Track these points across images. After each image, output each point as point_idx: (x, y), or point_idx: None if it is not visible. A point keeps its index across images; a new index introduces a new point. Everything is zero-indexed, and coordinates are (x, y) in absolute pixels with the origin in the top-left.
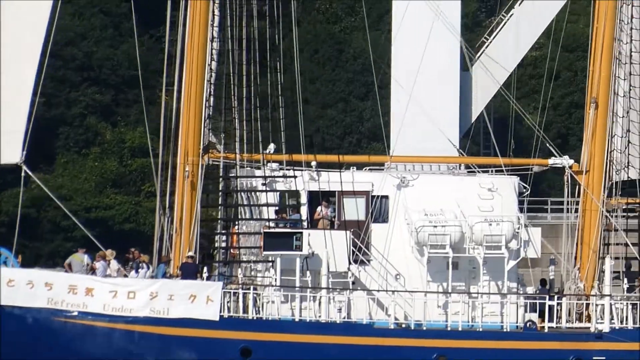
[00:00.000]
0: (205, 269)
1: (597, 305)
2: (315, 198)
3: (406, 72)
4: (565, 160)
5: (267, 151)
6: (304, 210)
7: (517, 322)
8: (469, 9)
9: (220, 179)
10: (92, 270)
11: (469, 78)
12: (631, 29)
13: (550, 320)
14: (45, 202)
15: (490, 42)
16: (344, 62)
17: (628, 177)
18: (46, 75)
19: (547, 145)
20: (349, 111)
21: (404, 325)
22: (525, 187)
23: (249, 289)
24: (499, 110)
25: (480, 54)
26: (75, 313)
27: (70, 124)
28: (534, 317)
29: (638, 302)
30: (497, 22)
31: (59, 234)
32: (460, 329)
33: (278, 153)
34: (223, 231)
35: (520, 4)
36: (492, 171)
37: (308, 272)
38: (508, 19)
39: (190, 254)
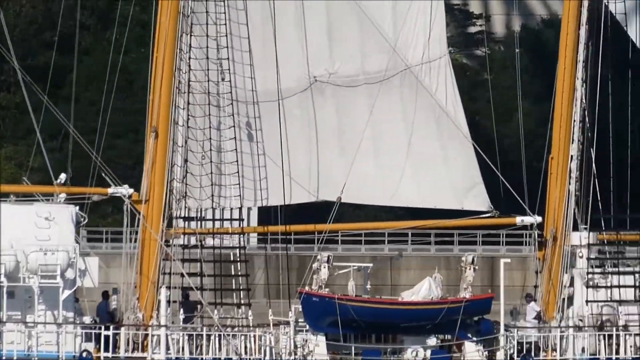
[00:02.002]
0: None
1: (153, 335)
2: None
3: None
4: (125, 190)
5: (58, 181)
6: None
7: (74, 352)
8: None
9: None
10: None
11: None
12: (189, 58)
13: (107, 349)
14: None
15: None
16: (134, 93)
17: (187, 206)
18: None
19: None
20: (140, 141)
21: None
22: (82, 216)
23: None
24: None
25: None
26: None
27: None
28: (90, 346)
29: (194, 332)
30: None
31: None
32: (15, 358)
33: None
34: None
35: None
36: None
37: None
38: None
39: None
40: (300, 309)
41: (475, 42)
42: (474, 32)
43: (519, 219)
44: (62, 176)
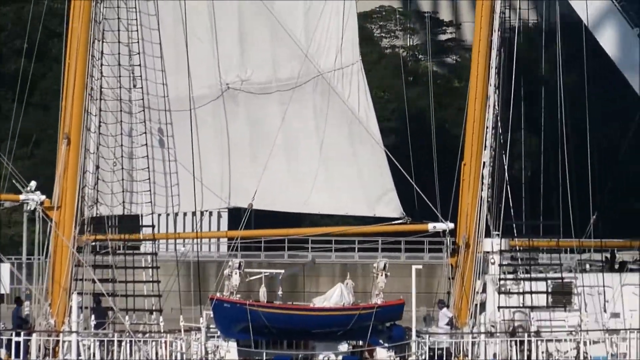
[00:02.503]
0: None
1: (64, 341)
2: None
3: None
4: (36, 196)
5: (28, 188)
6: None
7: None
8: None
9: None
10: None
11: None
12: (101, 64)
13: (18, 355)
14: None
15: None
16: None
17: (98, 213)
18: None
19: None
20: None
21: None
22: None
23: None
24: None
25: None
26: None
27: None
28: (1, 352)
29: (106, 338)
30: None
31: None
32: None
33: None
34: None
35: None
36: None
37: None
38: None
39: None
40: (212, 315)
41: (445, 50)
42: (445, 40)
43: (431, 226)
44: (32, 184)
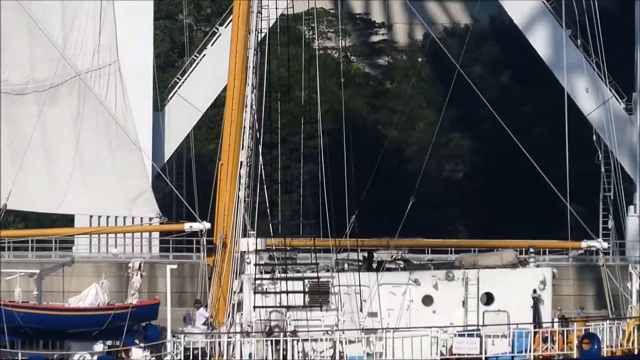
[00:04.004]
0: None
1: None
2: None
3: None
4: None
5: None
6: None
7: None
8: (161, 49)
9: None
10: None
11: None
12: None
13: None
14: None
15: (183, 82)
16: None
17: None
18: None
19: None
20: None
21: None
22: None
23: None
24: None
25: (173, 95)
26: None
27: None
28: None
29: None
30: (189, 62)
31: None
32: None
33: None
34: None
35: (212, 44)
36: None
37: None
38: (200, 60)
39: None
40: None
41: (377, 51)
42: (377, 41)
43: (187, 225)
44: None
